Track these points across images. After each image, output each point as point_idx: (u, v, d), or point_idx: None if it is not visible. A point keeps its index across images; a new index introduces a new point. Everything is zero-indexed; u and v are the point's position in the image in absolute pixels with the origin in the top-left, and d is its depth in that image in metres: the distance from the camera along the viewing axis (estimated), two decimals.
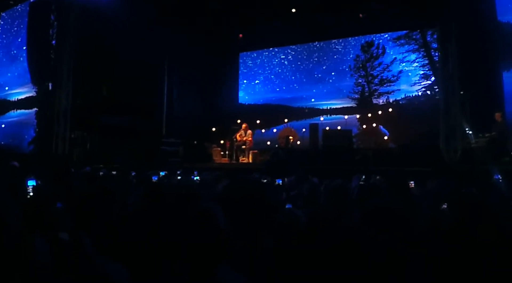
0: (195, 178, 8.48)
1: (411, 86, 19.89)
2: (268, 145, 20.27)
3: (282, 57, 23.65)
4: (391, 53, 20.66)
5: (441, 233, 3.30)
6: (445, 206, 4.17)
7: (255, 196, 3.19)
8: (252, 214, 3.05)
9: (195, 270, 2.19)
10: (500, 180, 7.34)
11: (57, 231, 3.02)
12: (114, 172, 10.18)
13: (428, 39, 19.45)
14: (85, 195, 3.32)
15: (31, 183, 5.27)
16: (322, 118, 20.90)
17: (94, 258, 1.99)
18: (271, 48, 23.77)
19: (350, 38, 21.85)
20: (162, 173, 9.50)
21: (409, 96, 19.93)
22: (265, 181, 7.44)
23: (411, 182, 6.82)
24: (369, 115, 19.96)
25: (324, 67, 22.40)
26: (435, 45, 18.45)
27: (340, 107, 21.47)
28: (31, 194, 5.12)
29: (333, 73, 22.15)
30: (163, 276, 2.31)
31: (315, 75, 22.55)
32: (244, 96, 24.37)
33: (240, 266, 2.41)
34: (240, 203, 3.07)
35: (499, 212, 3.41)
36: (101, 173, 9.41)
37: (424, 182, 7.03)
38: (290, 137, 18.62)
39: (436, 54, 17.82)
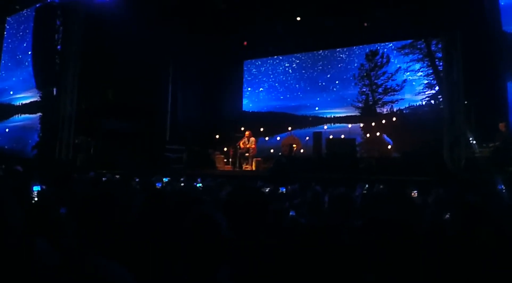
0: (198, 184, 8.48)
1: (415, 95, 19.90)
2: (271, 153, 20.25)
3: (286, 65, 23.69)
4: (396, 62, 20.68)
5: (443, 241, 3.29)
6: (448, 216, 4.18)
7: (258, 202, 3.20)
8: (254, 220, 3.05)
9: (196, 274, 2.18)
10: (504, 190, 7.33)
11: (61, 236, 3.02)
12: (118, 176, 10.21)
13: (433, 48, 19.46)
14: (88, 199, 3.33)
15: (36, 188, 5.28)
16: (325, 127, 20.93)
17: (98, 261, 1.99)
18: (275, 56, 23.81)
19: (354, 47, 21.88)
20: (165, 179, 9.52)
21: (413, 105, 19.93)
22: (268, 189, 7.46)
23: (415, 191, 6.82)
24: (373, 124, 19.95)
25: (328, 76, 22.42)
26: (439, 55, 18.44)
27: (344, 116, 21.48)
28: (36, 199, 5.13)
29: (337, 82, 22.16)
30: (166, 279, 2.31)
31: (319, 84, 22.56)
32: (248, 104, 24.41)
33: (241, 270, 2.41)
34: (242, 209, 3.07)
35: (502, 220, 3.42)
36: (104, 179, 9.44)
37: (427, 191, 7.02)
38: (294, 145, 18.58)
39: (441, 63, 17.81)
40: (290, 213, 5.10)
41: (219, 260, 2.25)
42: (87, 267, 1.97)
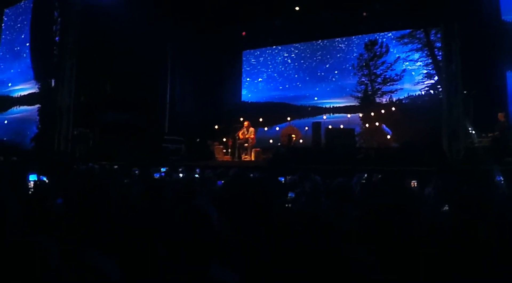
0: (196, 175, 8.49)
1: (414, 85, 19.86)
2: (270, 143, 20.22)
3: (285, 55, 23.63)
4: (395, 52, 20.63)
5: (441, 232, 3.29)
6: (446, 207, 4.17)
7: (255, 192, 3.18)
8: (251, 210, 3.03)
9: (188, 268, 2.17)
10: (502, 182, 7.32)
11: (57, 227, 3.01)
12: (116, 167, 10.22)
13: (432, 38, 19.41)
14: (84, 190, 3.31)
15: (32, 177, 5.28)
16: (324, 117, 20.90)
17: (87, 254, 1.99)
18: (274, 46, 23.73)
19: (353, 37, 21.80)
20: (163, 169, 9.52)
21: (412, 95, 19.90)
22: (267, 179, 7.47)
23: (414, 181, 6.82)
24: (372, 114, 19.93)
25: (327, 66, 22.37)
26: (438, 44, 18.41)
27: (343, 106, 21.45)
28: (32, 190, 5.12)
29: (336, 72, 22.12)
30: (156, 272, 2.30)
31: (318, 74, 22.52)
32: (247, 94, 24.36)
33: (234, 264, 2.40)
34: (239, 199, 3.05)
35: (501, 211, 3.40)
36: (102, 170, 9.44)
37: (426, 182, 7.02)
38: (293, 136, 18.57)
39: (440, 53, 17.77)
40: (289, 194, 5.10)
41: (211, 253, 2.23)
42: (81, 261, 1.96)
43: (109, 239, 2.83)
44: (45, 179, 5.76)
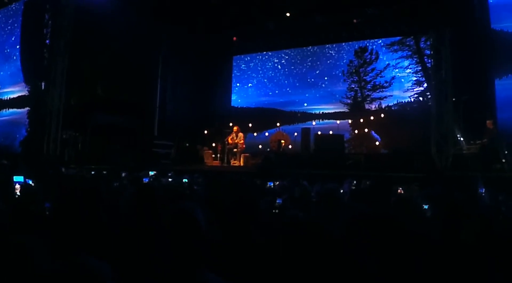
0: (184, 180, 8.46)
1: (404, 92, 19.93)
2: (260, 148, 20.22)
3: (275, 61, 23.67)
4: (384, 59, 20.70)
5: (426, 238, 3.30)
6: (427, 208, 4.19)
7: (244, 197, 3.19)
8: (239, 215, 3.04)
9: (176, 271, 2.17)
10: (483, 194, 7.33)
11: (46, 230, 3.00)
12: (105, 172, 10.16)
13: (422, 45, 19.48)
14: (74, 194, 3.31)
15: (17, 178, 5.22)
16: (314, 123, 20.94)
17: (78, 256, 1.98)
18: (264, 52, 23.79)
19: (343, 43, 21.87)
20: (151, 173, 9.48)
21: (402, 102, 19.97)
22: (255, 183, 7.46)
23: (400, 188, 6.83)
24: (361, 120, 19.99)
25: (317, 72, 22.42)
26: (428, 52, 18.46)
27: (333, 112, 21.51)
28: (18, 193, 5.08)
29: (326, 78, 22.17)
30: (146, 275, 2.30)
31: (308, 80, 22.56)
32: (236, 99, 24.38)
33: (222, 268, 2.40)
34: (227, 204, 3.06)
35: (482, 219, 3.42)
36: (92, 173, 9.41)
37: (413, 188, 7.04)
38: (282, 141, 18.59)
39: (429, 60, 17.83)
40: (277, 201, 5.10)
41: (199, 257, 2.24)
42: (71, 264, 1.96)
43: (101, 242, 2.83)
44: (30, 182, 5.73)
